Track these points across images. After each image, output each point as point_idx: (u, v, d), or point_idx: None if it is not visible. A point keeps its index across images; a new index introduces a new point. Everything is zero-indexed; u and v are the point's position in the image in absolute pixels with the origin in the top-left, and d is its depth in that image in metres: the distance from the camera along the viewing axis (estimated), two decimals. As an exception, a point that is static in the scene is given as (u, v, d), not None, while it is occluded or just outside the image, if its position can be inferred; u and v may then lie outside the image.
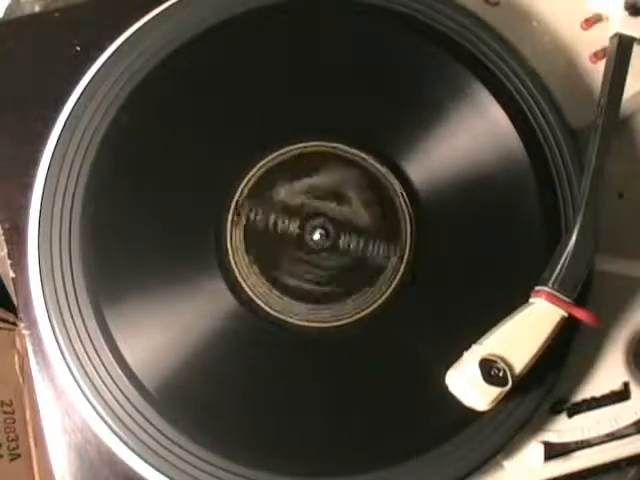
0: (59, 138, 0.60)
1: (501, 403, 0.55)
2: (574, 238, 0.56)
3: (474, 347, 0.55)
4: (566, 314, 0.55)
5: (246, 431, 0.58)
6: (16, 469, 0.62)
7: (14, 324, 0.64)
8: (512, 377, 0.54)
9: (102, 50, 0.61)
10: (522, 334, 0.55)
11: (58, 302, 0.58)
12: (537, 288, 0.56)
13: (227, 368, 0.58)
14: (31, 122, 0.61)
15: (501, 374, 0.54)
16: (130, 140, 0.60)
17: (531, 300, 0.56)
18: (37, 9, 0.65)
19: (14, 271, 0.60)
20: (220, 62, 0.61)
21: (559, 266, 0.56)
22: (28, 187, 0.60)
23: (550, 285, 0.55)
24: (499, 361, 0.54)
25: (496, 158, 0.60)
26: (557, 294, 0.55)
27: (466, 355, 0.55)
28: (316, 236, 0.59)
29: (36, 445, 0.63)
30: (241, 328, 0.58)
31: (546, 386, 0.58)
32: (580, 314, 0.55)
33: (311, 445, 0.58)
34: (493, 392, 0.54)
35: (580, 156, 0.60)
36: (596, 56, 0.63)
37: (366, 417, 0.58)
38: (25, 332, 0.60)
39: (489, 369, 0.54)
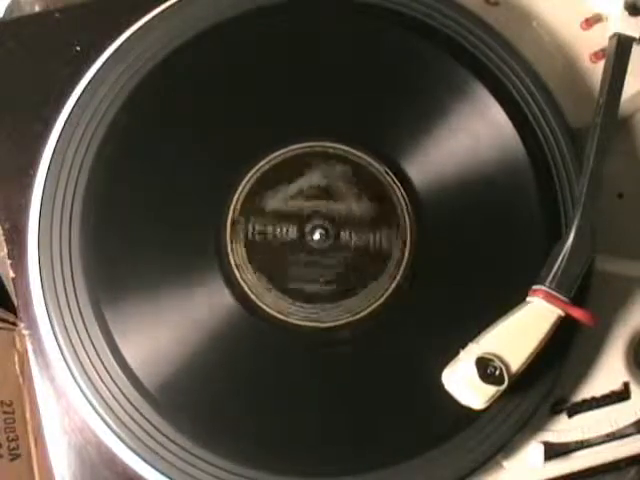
0: (59, 138, 0.60)
1: (498, 402, 0.55)
2: (572, 237, 0.56)
3: (470, 345, 0.55)
4: (563, 313, 0.55)
5: (246, 431, 0.58)
6: (16, 469, 0.62)
7: (14, 324, 0.64)
8: (508, 376, 0.54)
9: (102, 50, 0.61)
10: (519, 333, 0.55)
11: (58, 302, 0.58)
12: (534, 287, 0.56)
13: (227, 368, 0.58)
14: (31, 122, 0.61)
15: (497, 373, 0.54)
16: (130, 140, 0.60)
17: (528, 299, 0.56)
18: (37, 9, 0.65)
19: (14, 271, 0.60)
20: (220, 62, 0.61)
21: (556, 265, 0.56)
22: (28, 187, 0.60)
23: (547, 284, 0.55)
24: (495, 360, 0.54)
25: (496, 158, 0.60)
26: (554, 293, 0.55)
27: (462, 353, 0.55)
28: (316, 236, 0.59)
29: (36, 445, 0.63)
30: (241, 328, 0.58)
31: (546, 386, 0.58)
32: (577, 313, 0.55)
33: (311, 445, 0.58)
34: (489, 391, 0.54)
35: (580, 156, 0.60)
36: (596, 56, 0.63)
37: (366, 417, 0.58)
38: (25, 332, 0.60)
39: (485, 368, 0.54)
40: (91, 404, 0.58)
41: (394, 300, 0.59)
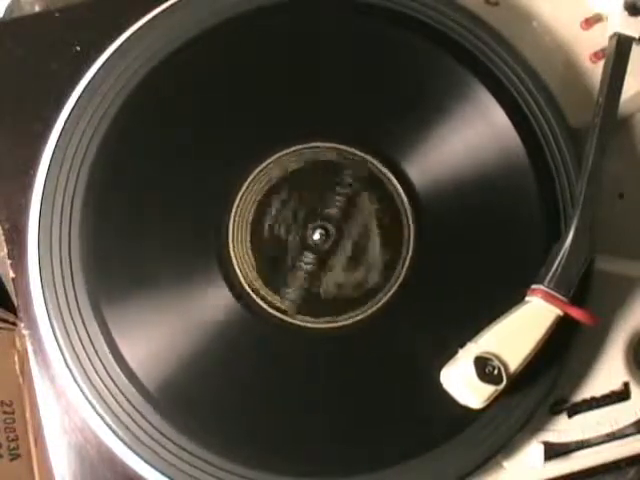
0: (59, 138, 0.60)
1: (497, 402, 0.55)
2: (570, 237, 0.56)
3: (469, 345, 0.55)
4: (562, 313, 0.55)
5: (246, 431, 0.58)
6: (16, 469, 0.62)
7: (14, 324, 0.64)
8: (507, 375, 0.54)
9: (102, 50, 0.61)
10: (517, 332, 0.55)
11: (58, 302, 0.58)
12: (533, 287, 0.56)
13: (227, 368, 0.58)
14: (31, 122, 0.61)
15: (496, 372, 0.54)
16: (130, 140, 0.60)
17: (527, 298, 0.56)
18: (37, 9, 0.65)
19: (14, 271, 0.60)
20: (220, 62, 0.61)
21: (555, 265, 0.56)
22: (28, 187, 0.60)
23: (546, 284, 0.55)
24: (494, 359, 0.54)
25: (496, 158, 0.60)
26: (553, 293, 0.55)
27: (461, 353, 0.55)
28: (316, 236, 0.59)
29: (36, 445, 0.63)
30: (241, 328, 0.58)
31: (546, 386, 0.58)
32: (576, 313, 0.55)
33: (311, 445, 0.58)
34: (487, 390, 0.54)
35: (580, 156, 0.60)
36: (596, 56, 0.63)
37: (366, 417, 0.58)
38: (25, 332, 0.60)
39: (484, 367, 0.54)
40: (91, 404, 0.58)
41: (395, 301, 0.59)
